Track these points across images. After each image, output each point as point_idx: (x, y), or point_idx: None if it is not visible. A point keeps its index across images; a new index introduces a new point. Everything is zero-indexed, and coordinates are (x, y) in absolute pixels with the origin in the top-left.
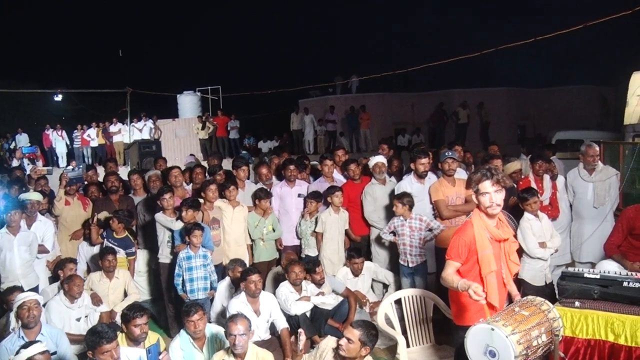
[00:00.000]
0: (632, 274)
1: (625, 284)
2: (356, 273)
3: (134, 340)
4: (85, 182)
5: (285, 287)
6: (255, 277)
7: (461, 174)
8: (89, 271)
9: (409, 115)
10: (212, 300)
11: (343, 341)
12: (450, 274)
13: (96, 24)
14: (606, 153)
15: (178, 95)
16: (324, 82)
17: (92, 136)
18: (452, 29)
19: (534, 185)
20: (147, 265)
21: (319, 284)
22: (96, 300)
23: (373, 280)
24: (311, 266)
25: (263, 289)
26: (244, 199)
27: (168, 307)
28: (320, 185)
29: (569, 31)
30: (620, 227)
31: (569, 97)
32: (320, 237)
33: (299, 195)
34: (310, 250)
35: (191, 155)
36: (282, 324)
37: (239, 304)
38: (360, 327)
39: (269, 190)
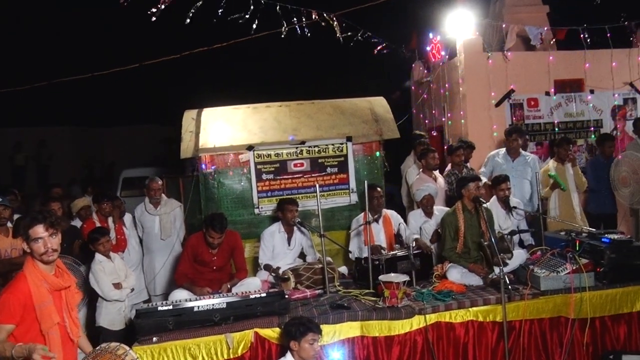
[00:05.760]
0: (202, 297)
1: (195, 309)
2: None
3: None
4: None
5: None
6: None
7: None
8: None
9: None
10: None
11: None
12: (2, 341)
13: None
14: (169, 187)
15: None
16: None
17: None
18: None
19: (98, 225)
20: None
21: None
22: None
23: None
24: None
25: None
26: None
27: None
28: None
29: (123, 70)
30: (186, 256)
31: (135, 136)
32: None
33: None
34: None
35: None
36: None
37: None
38: None
39: None
